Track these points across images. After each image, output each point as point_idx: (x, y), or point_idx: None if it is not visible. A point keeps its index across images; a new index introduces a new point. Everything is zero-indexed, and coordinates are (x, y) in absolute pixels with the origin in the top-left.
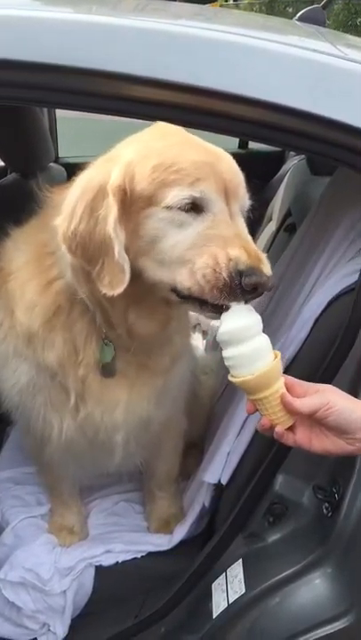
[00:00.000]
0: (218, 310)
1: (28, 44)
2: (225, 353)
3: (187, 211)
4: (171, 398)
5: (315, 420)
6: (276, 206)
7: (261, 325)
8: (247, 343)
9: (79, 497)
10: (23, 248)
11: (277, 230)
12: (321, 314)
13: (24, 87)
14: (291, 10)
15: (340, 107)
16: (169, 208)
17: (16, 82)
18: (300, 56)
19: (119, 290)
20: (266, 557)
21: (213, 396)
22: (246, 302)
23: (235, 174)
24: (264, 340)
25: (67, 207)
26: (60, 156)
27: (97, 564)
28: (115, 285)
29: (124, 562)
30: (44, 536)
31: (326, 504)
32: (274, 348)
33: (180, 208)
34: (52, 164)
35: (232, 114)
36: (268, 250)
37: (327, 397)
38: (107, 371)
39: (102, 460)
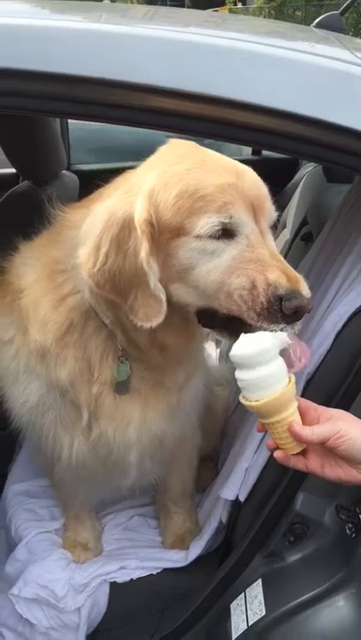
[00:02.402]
0: (237, 335)
1: (31, 53)
2: (239, 374)
3: (218, 238)
4: (184, 414)
5: (326, 447)
6: (291, 213)
7: (278, 349)
8: (263, 367)
9: (93, 512)
10: (34, 264)
11: (293, 239)
12: (343, 327)
13: (27, 96)
14: (300, 13)
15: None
16: (199, 237)
17: (19, 91)
18: (317, 64)
19: (157, 321)
20: (286, 578)
21: (228, 408)
22: (289, 325)
23: (259, 189)
24: (280, 363)
25: (90, 243)
26: (72, 162)
27: (111, 580)
28: (151, 317)
29: (139, 578)
30: (58, 552)
31: (350, 524)
32: None
33: (210, 236)
34: (64, 172)
35: (246, 123)
36: (283, 258)
37: (339, 426)
38: (121, 388)
39: (116, 480)
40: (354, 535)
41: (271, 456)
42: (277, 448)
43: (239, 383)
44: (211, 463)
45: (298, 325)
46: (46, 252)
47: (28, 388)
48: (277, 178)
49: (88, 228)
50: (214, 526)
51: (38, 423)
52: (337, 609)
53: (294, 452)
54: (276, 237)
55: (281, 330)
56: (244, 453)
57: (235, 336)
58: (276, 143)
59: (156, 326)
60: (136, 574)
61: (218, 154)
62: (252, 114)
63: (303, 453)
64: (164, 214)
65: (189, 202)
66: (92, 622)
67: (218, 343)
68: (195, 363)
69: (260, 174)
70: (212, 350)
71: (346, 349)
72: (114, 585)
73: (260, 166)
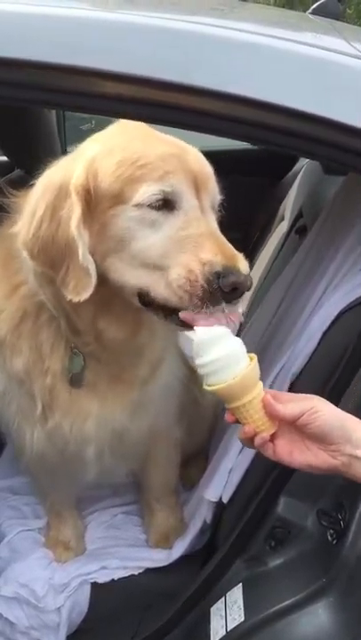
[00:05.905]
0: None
1: (21, 42)
2: (199, 360)
3: (158, 208)
4: (153, 408)
5: (298, 427)
6: (288, 205)
7: (230, 332)
8: (221, 346)
9: (75, 510)
10: None
11: (288, 232)
12: (330, 326)
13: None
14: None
15: (348, 108)
16: (139, 206)
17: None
18: (311, 55)
19: (85, 295)
20: (267, 583)
21: (217, 404)
22: (229, 304)
23: (203, 166)
24: (238, 343)
25: (27, 210)
26: (67, 150)
27: (92, 580)
28: (80, 290)
29: (120, 578)
30: (41, 550)
31: (331, 530)
32: (279, 362)
33: (150, 206)
34: None
35: (238, 116)
36: (278, 252)
37: (313, 402)
38: (74, 381)
39: (77, 473)
40: (335, 542)
41: (255, 458)
42: (254, 436)
43: (205, 369)
44: (200, 459)
45: (239, 305)
46: (2, 239)
47: None
48: (276, 168)
49: (29, 199)
50: (199, 526)
51: (5, 413)
52: (316, 617)
53: (269, 433)
54: (273, 230)
55: (222, 310)
56: (227, 454)
57: (169, 317)
58: (269, 138)
59: (97, 312)
60: (117, 574)
61: (164, 134)
62: (241, 106)
63: (271, 440)
64: (103, 182)
65: (130, 170)
66: (74, 622)
67: None
68: (158, 353)
69: (258, 164)
70: None
71: (331, 349)
72: (95, 585)
73: (258, 156)
